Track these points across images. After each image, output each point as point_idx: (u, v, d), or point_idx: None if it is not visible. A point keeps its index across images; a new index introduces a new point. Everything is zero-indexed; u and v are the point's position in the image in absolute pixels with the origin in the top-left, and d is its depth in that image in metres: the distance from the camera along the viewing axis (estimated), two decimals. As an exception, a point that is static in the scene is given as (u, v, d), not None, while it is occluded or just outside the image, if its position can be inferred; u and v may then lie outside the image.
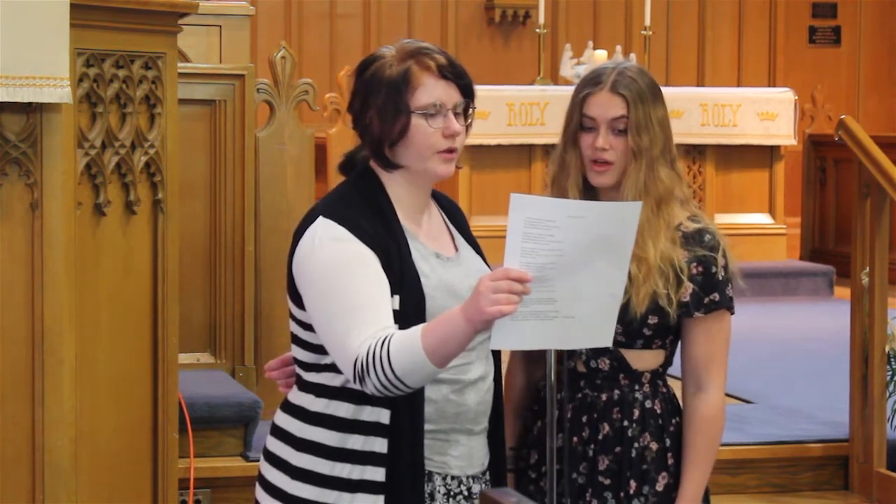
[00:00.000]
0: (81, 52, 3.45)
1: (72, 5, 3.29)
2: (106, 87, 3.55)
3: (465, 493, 2.94)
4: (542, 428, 3.18)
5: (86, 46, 3.47)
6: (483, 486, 2.97)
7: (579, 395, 3.15)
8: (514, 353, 3.28)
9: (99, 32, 3.52)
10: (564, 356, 3.04)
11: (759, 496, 5.41)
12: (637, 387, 3.14)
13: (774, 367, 7.04)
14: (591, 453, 3.13)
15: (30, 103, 3.30)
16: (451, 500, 2.92)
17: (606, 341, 2.82)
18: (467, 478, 2.94)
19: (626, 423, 3.13)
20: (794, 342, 7.90)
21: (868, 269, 5.36)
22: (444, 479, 2.91)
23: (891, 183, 5.28)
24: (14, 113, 3.32)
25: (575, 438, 3.14)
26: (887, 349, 5.31)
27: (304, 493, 2.86)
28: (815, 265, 10.04)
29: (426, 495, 2.88)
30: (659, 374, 3.18)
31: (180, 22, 3.84)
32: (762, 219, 9.88)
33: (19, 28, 3.23)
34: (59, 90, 3.27)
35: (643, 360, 3.14)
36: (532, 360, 3.23)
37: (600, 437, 3.13)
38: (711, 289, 3.12)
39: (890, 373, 5.32)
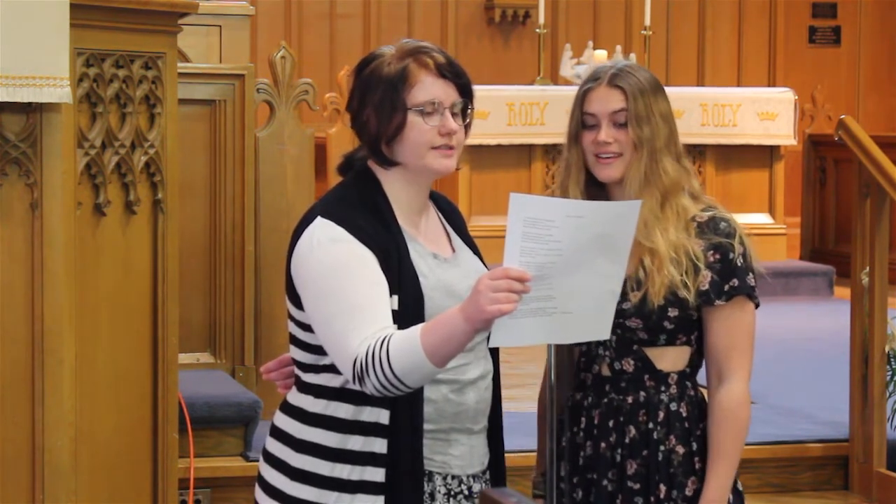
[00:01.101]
0: (81, 52, 3.45)
1: (72, 5, 3.29)
2: (106, 87, 3.55)
3: (466, 492, 2.94)
4: (570, 438, 3.15)
5: (86, 46, 3.47)
6: (483, 485, 2.97)
7: (605, 400, 3.12)
8: (545, 377, 3.23)
9: (99, 32, 3.52)
10: (564, 356, 3.04)
11: (759, 496, 5.41)
12: (663, 388, 3.10)
13: (774, 367, 7.03)
14: (618, 458, 3.09)
15: (30, 103, 3.30)
16: (451, 499, 2.92)
17: (604, 335, 2.83)
18: (468, 477, 2.94)
19: (651, 425, 3.09)
20: (794, 342, 7.90)
21: (868, 269, 5.36)
22: (445, 478, 2.91)
23: (891, 183, 5.28)
24: (14, 113, 3.32)
25: (603, 444, 3.11)
26: (887, 349, 5.31)
27: (304, 493, 2.86)
28: (815, 265, 10.03)
29: (426, 495, 2.88)
30: (686, 376, 3.12)
31: (180, 22, 3.85)
32: (762, 219, 9.88)
33: (19, 28, 3.23)
34: (59, 90, 3.27)
35: (668, 358, 3.10)
36: (562, 380, 3.18)
37: (627, 440, 3.09)
38: (730, 275, 3.08)
39: (890, 373, 5.32)
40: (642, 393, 3.10)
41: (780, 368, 7.03)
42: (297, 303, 2.87)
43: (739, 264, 3.09)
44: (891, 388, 5.31)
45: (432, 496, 2.89)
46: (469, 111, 2.93)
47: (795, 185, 10.97)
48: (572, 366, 3.17)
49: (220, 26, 6.43)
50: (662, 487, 3.08)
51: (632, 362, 3.10)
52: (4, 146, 3.33)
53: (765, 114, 9.86)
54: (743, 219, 9.65)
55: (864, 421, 5.37)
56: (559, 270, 2.66)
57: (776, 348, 7.60)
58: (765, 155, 9.93)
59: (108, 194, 3.58)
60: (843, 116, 5.66)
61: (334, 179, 3.02)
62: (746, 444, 5.44)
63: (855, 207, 5.49)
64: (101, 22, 3.53)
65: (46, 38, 3.25)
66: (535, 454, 3.30)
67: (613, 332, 3.04)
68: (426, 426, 2.85)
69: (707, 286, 3.07)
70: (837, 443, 5.51)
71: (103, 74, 3.53)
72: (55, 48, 3.26)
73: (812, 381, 6.73)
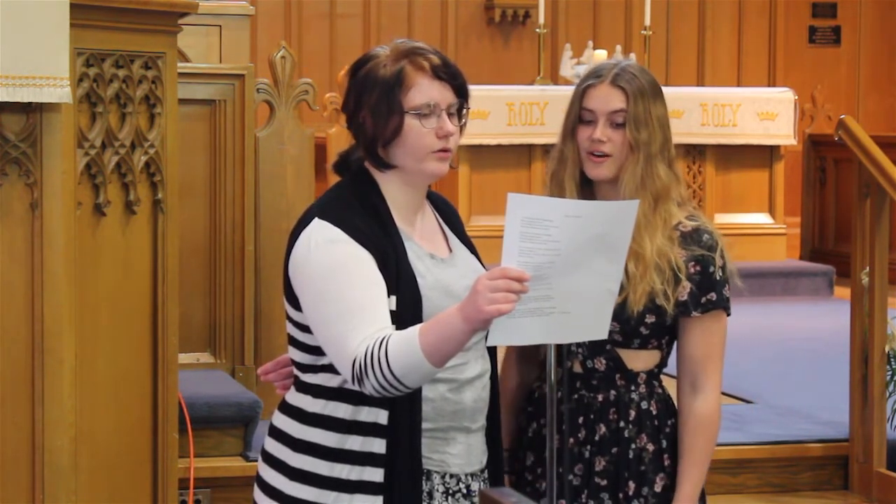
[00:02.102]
0: (81, 52, 3.45)
1: (72, 5, 3.29)
2: (106, 86, 3.55)
3: (464, 490, 2.94)
4: (537, 429, 3.19)
5: (86, 46, 3.47)
6: (482, 483, 2.98)
7: (576, 396, 3.15)
8: (507, 354, 3.27)
9: (99, 32, 3.52)
10: (564, 357, 3.04)
11: (759, 496, 5.41)
12: (633, 387, 3.14)
13: (774, 367, 7.04)
14: (587, 454, 3.13)
15: (30, 103, 3.30)
16: (450, 497, 2.92)
17: (602, 334, 2.84)
18: (466, 475, 2.94)
19: (622, 423, 3.13)
20: (794, 342, 7.90)
21: (868, 269, 5.36)
22: (443, 477, 2.91)
23: (891, 183, 5.28)
24: (14, 113, 3.32)
25: (571, 439, 3.14)
26: (887, 349, 5.31)
27: (303, 493, 2.86)
28: (815, 265, 10.03)
29: (425, 494, 2.88)
30: (654, 375, 3.17)
31: (180, 22, 3.84)
32: (762, 219, 9.88)
33: (19, 28, 3.23)
34: (58, 90, 3.27)
35: (639, 360, 3.14)
36: (526, 360, 3.24)
37: (597, 437, 3.13)
38: (709, 288, 3.12)
39: (890, 373, 5.32)
40: (613, 391, 3.14)
41: (780, 368, 7.04)
42: (295, 304, 2.87)
43: (718, 278, 3.13)
44: (891, 388, 5.31)
45: (430, 495, 2.89)
46: (465, 112, 2.93)
47: (795, 185, 10.97)
48: (536, 357, 3.18)
49: (220, 26, 6.43)
50: (631, 484, 3.12)
51: (604, 361, 3.13)
52: (4, 146, 3.33)
53: (765, 114, 9.86)
54: (743, 219, 9.75)
55: (864, 421, 5.37)
56: (557, 270, 2.66)
57: (776, 348, 7.60)
58: (765, 155, 9.93)
59: (108, 194, 3.58)
60: (843, 116, 5.66)
61: (334, 179, 3.02)
62: (746, 444, 5.52)
63: (855, 207, 5.49)
64: (101, 22, 3.53)
65: (46, 38, 3.25)
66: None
67: None
68: (424, 425, 2.85)
69: (686, 297, 3.11)
70: (837, 443, 5.51)
71: (103, 74, 3.53)
72: (55, 48, 3.26)
73: (812, 381, 6.73)
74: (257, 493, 2.96)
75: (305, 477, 2.86)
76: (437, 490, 2.90)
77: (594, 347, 3.11)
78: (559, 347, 2.95)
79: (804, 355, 7.51)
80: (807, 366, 7.19)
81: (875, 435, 5.33)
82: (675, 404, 3.20)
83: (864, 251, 5.41)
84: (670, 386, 3.22)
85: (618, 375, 3.13)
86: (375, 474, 2.83)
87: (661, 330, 3.13)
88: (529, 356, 3.21)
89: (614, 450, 3.12)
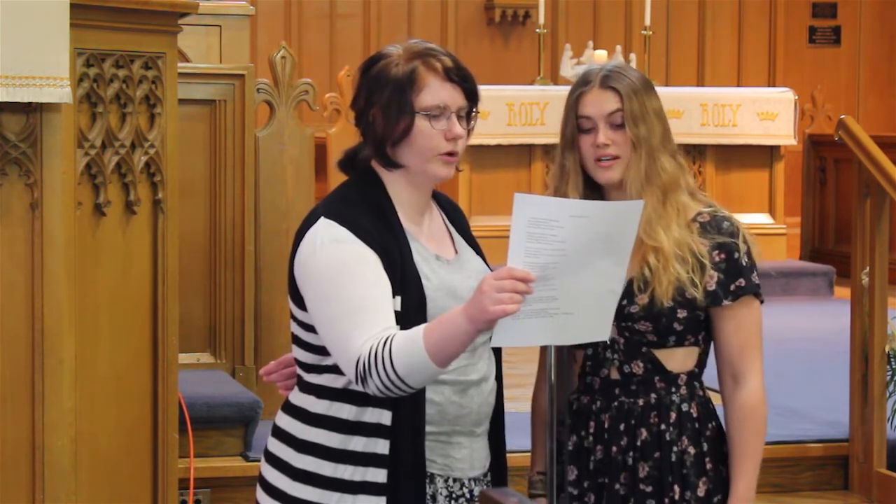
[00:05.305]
0: (81, 52, 3.45)
1: (72, 5, 3.29)
2: (106, 87, 3.55)
3: (468, 495, 2.93)
4: (578, 442, 3.14)
5: (86, 46, 3.47)
6: (485, 487, 2.97)
7: (615, 404, 3.10)
8: (542, 371, 3.18)
9: (99, 32, 3.52)
10: (564, 356, 3.03)
11: (759, 496, 5.35)
12: (674, 389, 3.09)
13: (774, 367, 7.01)
14: (630, 461, 3.08)
15: (30, 103, 3.30)
16: (453, 502, 2.91)
17: (604, 335, 2.82)
18: (469, 480, 2.94)
19: (663, 426, 3.08)
20: (794, 342, 7.89)
21: (868, 269, 5.36)
22: (447, 480, 2.91)
23: (891, 183, 5.28)
24: (14, 113, 3.32)
25: (614, 448, 3.09)
26: (887, 349, 5.31)
27: (306, 494, 2.86)
28: (815, 265, 10.03)
29: (428, 497, 2.87)
30: (695, 376, 3.12)
31: (180, 22, 3.85)
32: (762, 219, 9.87)
33: (19, 28, 3.23)
34: (59, 90, 3.27)
35: (677, 359, 3.10)
36: (561, 375, 3.17)
37: (639, 443, 3.08)
38: (736, 274, 3.08)
39: (890, 373, 5.32)
40: (653, 395, 3.09)
41: (780, 368, 7.02)
42: (300, 303, 2.86)
43: (745, 263, 3.09)
44: (891, 388, 5.31)
45: (434, 498, 2.89)
46: (473, 115, 2.92)
47: (795, 185, 10.96)
48: (572, 368, 3.16)
49: (220, 26, 6.43)
50: (676, 488, 3.07)
51: (641, 364, 3.09)
52: (4, 146, 3.33)
53: (765, 114, 9.85)
54: (743, 219, 9.58)
55: (864, 421, 5.37)
56: (562, 271, 2.66)
57: (776, 348, 7.58)
58: (765, 155, 9.92)
59: (108, 194, 3.58)
60: (843, 116, 5.66)
61: (334, 179, 3.01)
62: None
63: (855, 207, 5.49)
64: (101, 22, 3.53)
65: (46, 38, 3.25)
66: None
67: (621, 334, 3.05)
68: (428, 428, 2.85)
69: (714, 286, 3.07)
70: (837, 443, 5.51)
71: (103, 74, 3.53)
72: (55, 48, 3.26)
73: (812, 381, 6.73)
74: (260, 494, 2.95)
75: (309, 477, 2.85)
76: (441, 493, 2.90)
77: (630, 351, 3.07)
78: (559, 349, 2.94)
79: (804, 355, 7.50)
80: (807, 366, 7.18)
81: (875, 435, 5.33)
82: (718, 404, 3.13)
83: (864, 251, 5.41)
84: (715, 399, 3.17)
85: (657, 378, 3.09)
86: (379, 475, 2.82)
87: (695, 325, 3.08)
88: (566, 377, 3.15)
89: (657, 454, 3.07)
